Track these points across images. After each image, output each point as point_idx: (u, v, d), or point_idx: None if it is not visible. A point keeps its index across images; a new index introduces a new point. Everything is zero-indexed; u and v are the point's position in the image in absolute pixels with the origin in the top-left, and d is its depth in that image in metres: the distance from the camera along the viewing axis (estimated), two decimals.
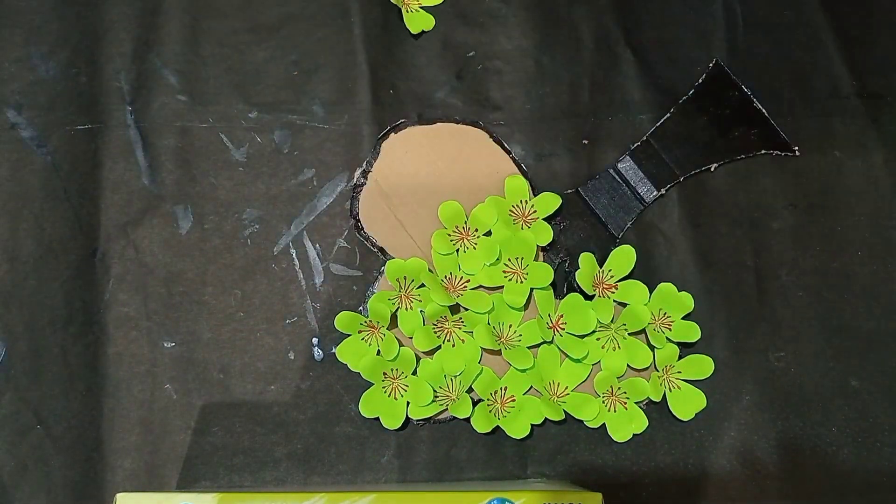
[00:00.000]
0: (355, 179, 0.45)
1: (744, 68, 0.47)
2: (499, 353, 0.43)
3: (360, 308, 0.44)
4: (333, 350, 0.44)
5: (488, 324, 0.43)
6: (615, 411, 0.43)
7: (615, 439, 0.43)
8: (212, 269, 0.45)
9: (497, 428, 0.43)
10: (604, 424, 0.43)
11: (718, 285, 0.45)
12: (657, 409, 0.44)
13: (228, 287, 0.44)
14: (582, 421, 0.43)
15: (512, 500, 0.36)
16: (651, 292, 0.44)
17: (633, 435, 0.43)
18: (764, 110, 0.47)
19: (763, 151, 0.46)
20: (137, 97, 0.46)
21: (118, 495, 0.36)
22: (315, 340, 0.44)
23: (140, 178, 0.45)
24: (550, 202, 0.45)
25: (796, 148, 0.46)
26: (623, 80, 0.47)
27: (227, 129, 0.46)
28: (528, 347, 0.43)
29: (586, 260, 0.44)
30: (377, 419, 0.43)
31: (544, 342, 0.43)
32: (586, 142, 0.46)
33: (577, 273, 0.44)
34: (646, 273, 0.45)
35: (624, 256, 0.44)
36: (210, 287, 0.44)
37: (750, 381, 0.44)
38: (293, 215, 0.45)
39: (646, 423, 0.43)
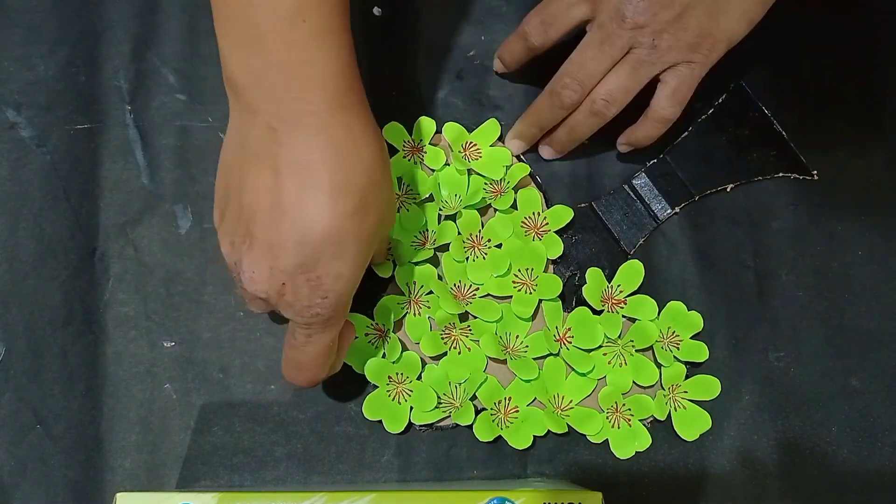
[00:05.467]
0: None
1: (743, 68, 0.47)
2: (504, 362, 0.43)
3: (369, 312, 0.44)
4: None
5: (495, 333, 0.43)
6: (619, 427, 0.43)
7: (618, 456, 0.42)
8: (211, 268, 0.45)
9: (499, 436, 0.43)
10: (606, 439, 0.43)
11: (718, 285, 0.45)
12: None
13: (228, 287, 0.44)
14: None
15: (512, 500, 0.36)
16: (655, 298, 0.44)
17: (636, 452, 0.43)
18: (784, 132, 0.46)
19: (781, 174, 0.46)
20: (136, 96, 0.46)
21: (118, 495, 0.36)
22: None
23: (139, 177, 0.45)
24: (562, 215, 0.44)
25: (815, 172, 0.46)
26: None
27: (226, 128, 0.46)
28: (534, 359, 0.43)
29: (593, 275, 0.44)
30: (378, 419, 0.43)
31: (550, 354, 0.43)
32: (587, 142, 0.46)
33: (583, 288, 0.43)
34: (646, 273, 0.45)
35: (633, 271, 0.44)
36: (210, 286, 0.44)
37: (750, 381, 0.44)
38: None
39: (649, 440, 0.43)
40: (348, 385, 0.44)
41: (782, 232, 0.46)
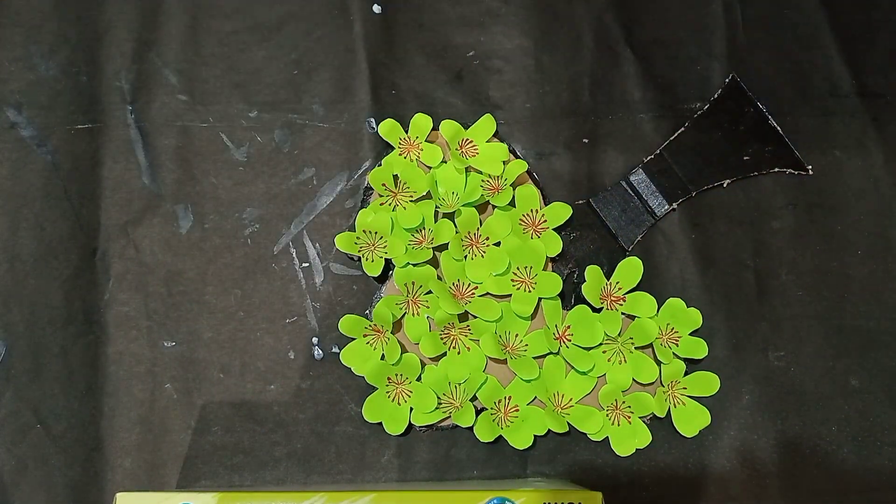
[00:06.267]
0: (366, 183, 0.45)
1: (743, 68, 0.47)
2: (504, 362, 0.43)
3: (367, 312, 0.44)
4: (334, 349, 0.44)
5: (495, 332, 0.43)
6: (619, 425, 0.43)
7: (618, 453, 0.42)
8: (212, 268, 0.45)
9: (499, 436, 0.43)
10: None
11: (718, 285, 0.45)
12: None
13: (228, 286, 0.44)
14: None
15: (512, 500, 0.36)
16: (655, 298, 0.44)
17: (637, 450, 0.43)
18: (779, 128, 0.46)
19: (776, 169, 0.46)
20: (138, 96, 0.46)
21: (118, 495, 0.36)
22: (315, 340, 0.44)
23: (140, 177, 0.45)
24: (561, 212, 0.44)
25: (810, 167, 0.46)
26: (623, 78, 0.47)
27: (228, 129, 0.46)
28: (534, 358, 0.43)
29: (592, 273, 0.44)
30: (378, 422, 0.43)
31: (550, 353, 0.43)
32: (586, 140, 0.47)
33: (582, 286, 0.43)
34: (646, 273, 0.45)
35: (631, 268, 0.44)
36: (210, 287, 0.44)
37: (750, 380, 0.44)
38: (293, 215, 0.45)
39: (649, 437, 0.43)
40: (348, 385, 0.44)
41: (782, 231, 0.46)
